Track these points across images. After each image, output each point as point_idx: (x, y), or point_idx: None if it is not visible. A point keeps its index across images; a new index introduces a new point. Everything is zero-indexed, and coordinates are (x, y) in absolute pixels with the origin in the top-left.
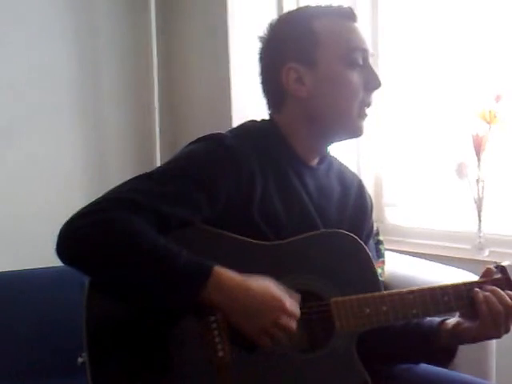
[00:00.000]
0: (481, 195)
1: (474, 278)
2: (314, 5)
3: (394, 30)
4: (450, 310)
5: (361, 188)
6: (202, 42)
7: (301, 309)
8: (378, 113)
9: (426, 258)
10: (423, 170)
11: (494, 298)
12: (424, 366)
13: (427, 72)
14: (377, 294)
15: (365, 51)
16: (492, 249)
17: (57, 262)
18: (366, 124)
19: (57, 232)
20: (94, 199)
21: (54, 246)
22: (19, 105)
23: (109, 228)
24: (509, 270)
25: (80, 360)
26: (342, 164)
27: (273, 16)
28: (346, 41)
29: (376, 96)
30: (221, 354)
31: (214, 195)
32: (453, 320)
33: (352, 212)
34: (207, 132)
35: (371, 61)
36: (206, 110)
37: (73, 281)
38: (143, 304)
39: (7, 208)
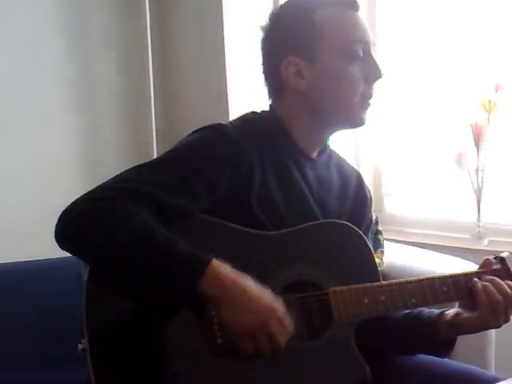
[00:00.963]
0: (480, 185)
1: (473, 267)
2: None
3: (393, 19)
4: (448, 300)
5: (360, 181)
6: (197, 32)
7: (300, 298)
8: (377, 102)
9: (425, 248)
10: (422, 159)
11: (493, 288)
12: (422, 356)
13: (426, 61)
14: (375, 283)
15: (366, 43)
16: (491, 238)
17: (55, 254)
18: (368, 114)
19: (53, 223)
20: (89, 190)
21: (52, 236)
22: (13, 97)
23: (108, 217)
24: (508, 261)
25: (80, 346)
26: (341, 157)
27: (269, 10)
28: (347, 33)
29: (375, 85)
30: (219, 341)
31: (214, 184)
32: (452, 311)
33: (351, 204)
34: (204, 122)
35: (373, 51)
36: (202, 101)
37: (70, 272)
38: (140, 294)
39: (3, 200)
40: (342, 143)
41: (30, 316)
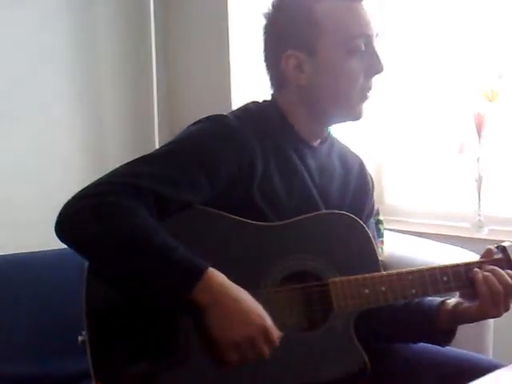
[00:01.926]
0: (481, 174)
1: (474, 256)
2: None
3: (395, 10)
4: (449, 290)
5: (362, 168)
6: (201, 24)
7: (300, 288)
8: (378, 92)
9: (425, 238)
10: (423, 150)
11: (493, 278)
12: (421, 344)
13: (429, 52)
14: (376, 274)
15: (368, 36)
16: (491, 227)
17: (56, 245)
18: (366, 107)
19: (55, 215)
20: (89, 184)
21: (53, 228)
22: (18, 89)
23: (108, 214)
24: (509, 251)
25: (80, 338)
26: (344, 145)
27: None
28: (348, 28)
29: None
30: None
31: (215, 176)
32: (453, 300)
33: (353, 192)
34: (206, 113)
35: (376, 43)
36: (205, 91)
37: (72, 263)
38: (134, 292)
39: (6, 191)
40: (343, 133)
41: (30, 307)
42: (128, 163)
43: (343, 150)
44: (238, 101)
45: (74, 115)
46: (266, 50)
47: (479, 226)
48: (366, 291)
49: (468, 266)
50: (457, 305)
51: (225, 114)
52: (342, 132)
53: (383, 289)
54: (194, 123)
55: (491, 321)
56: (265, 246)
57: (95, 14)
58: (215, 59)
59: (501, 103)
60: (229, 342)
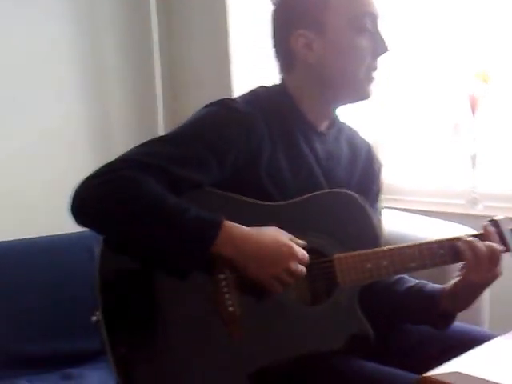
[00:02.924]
0: (475, 152)
1: (469, 231)
2: None
3: None
4: (445, 263)
5: (370, 153)
6: (202, 13)
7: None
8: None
9: (422, 214)
10: (419, 129)
11: (478, 242)
12: None
13: (423, 34)
14: (377, 249)
15: (374, 15)
16: (486, 203)
17: (66, 229)
18: (374, 87)
19: (65, 201)
20: (101, 165)
21: (64, 210)
22: (25, 78)
23: (120, 186)
24: (501, 224)
25: (94, 319)
26: (352, 129)
27: None
28: (356, 5)
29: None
30: (231, 309)
31: (223, 158)
32: (451, 282)
33: (360, 175)
34: (209, 100)
35: (380, 24)
36: (208, 79)
37: (81, 246)
38: (156, 262)
39: (16, 178)
40: (341, 114)
41: (43, 289)
42: (141, 144)
43: (352, 134)
44: (239, 87)
45: (80, 103)
46: (274, 30)
47: (474, 202)
48: (369, 266)
49: (463, 239)
50: (454, 283)
51: (233, 98)
52: (340, 113)
53: (385, 263)
54: (203, 107)
55: (487, 293)
56: (271, 224)
57: (99, 3)
58: (216, 44)
59: (494, 84)
60: (270, 277)
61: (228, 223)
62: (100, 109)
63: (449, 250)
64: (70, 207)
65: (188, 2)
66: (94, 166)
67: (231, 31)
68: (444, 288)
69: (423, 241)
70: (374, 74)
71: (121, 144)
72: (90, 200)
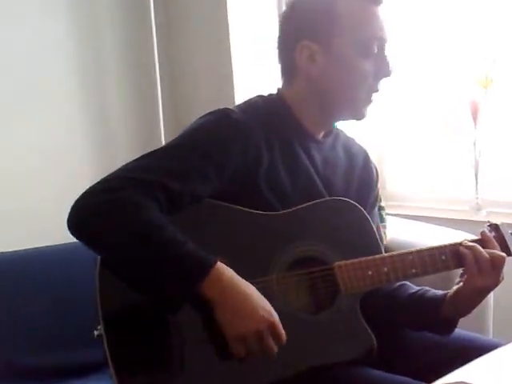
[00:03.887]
0: (477, 158)
1: (473, 237)
2: None
3: None
4: (447, 269)
5: (367, 160)
6: (203, 20)
7: (306, 273)
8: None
9: (425, 221)
10: (421, 136)
11: (480, 247)
12: None
13: (424, 41)
14: (377, 256)
15: (383, 40)
16: (489, 209)
17: (68, 239)
18: (370, 109)
19: (67, 210)
20: (99, 178)
21: (66, 219)
22: (26, 85)
23: (118, 209)
24: (502, 229)
25: (96, 333)
26: (349, 137)
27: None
28: (365, 28)
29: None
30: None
31: (222, 169)
32: (453, 288)
33: (357, 183)
34: (210, 108)
35: (387, 48)
36: (209, 86)
37: (85, 257)
38: (145, 289)
39: (18, 187)
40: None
41: (45, 300)
42: (138, 158)
43: (348, 141)
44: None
45: (82, 113)
46: (281, 37)
47: (477, 208)
48: (370, 272)
49: (464, 244)
50: (456, 291)
51: (230, 107)
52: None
53: (385, 269)
54: (201, 117)
55: (491, 300)
56: (271, 234)
57: (98, 8)
58: (217, 52)
59: (494, 90)
60: (236, 336)
61: (220, 265)
62: (100, 109)
63: (451, 256)
64: (67, 221)
65: (188, 5)
66: (95, 178)
67: (231, 31)
68: (446, 294)
69: (424, 247)
70: (374, 96)
71: (122, 153)
72: (86, 219)
